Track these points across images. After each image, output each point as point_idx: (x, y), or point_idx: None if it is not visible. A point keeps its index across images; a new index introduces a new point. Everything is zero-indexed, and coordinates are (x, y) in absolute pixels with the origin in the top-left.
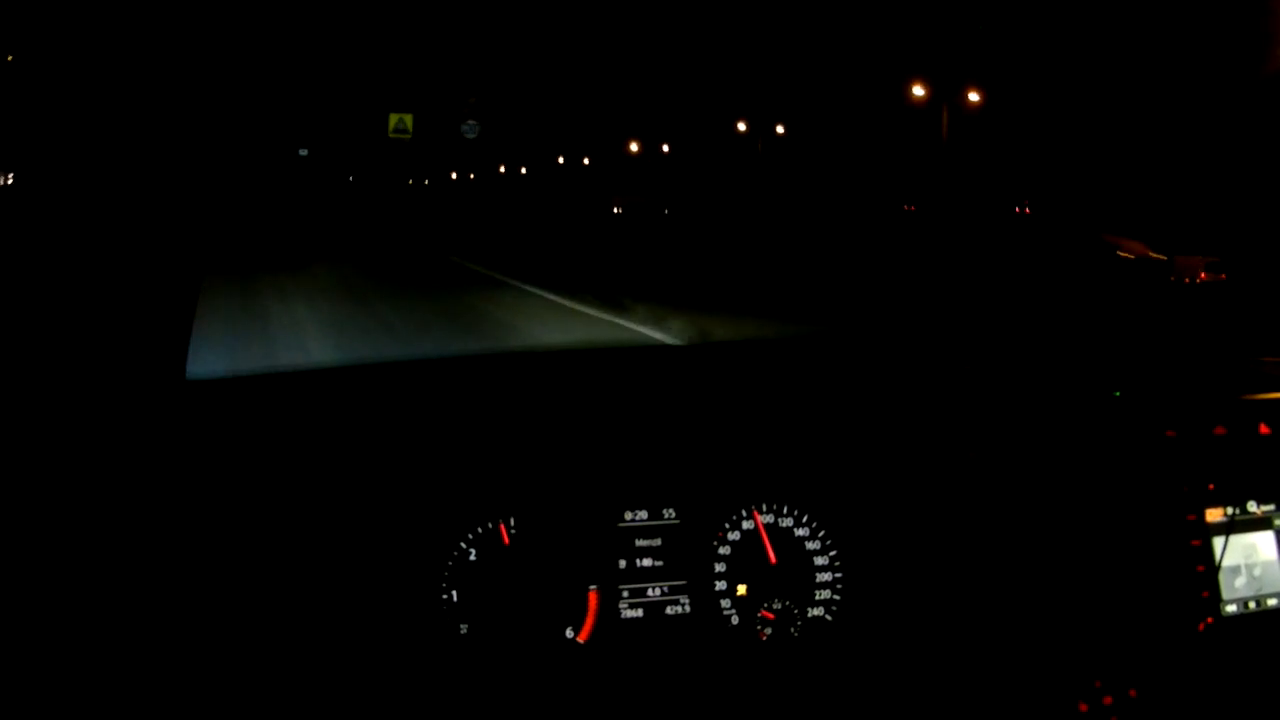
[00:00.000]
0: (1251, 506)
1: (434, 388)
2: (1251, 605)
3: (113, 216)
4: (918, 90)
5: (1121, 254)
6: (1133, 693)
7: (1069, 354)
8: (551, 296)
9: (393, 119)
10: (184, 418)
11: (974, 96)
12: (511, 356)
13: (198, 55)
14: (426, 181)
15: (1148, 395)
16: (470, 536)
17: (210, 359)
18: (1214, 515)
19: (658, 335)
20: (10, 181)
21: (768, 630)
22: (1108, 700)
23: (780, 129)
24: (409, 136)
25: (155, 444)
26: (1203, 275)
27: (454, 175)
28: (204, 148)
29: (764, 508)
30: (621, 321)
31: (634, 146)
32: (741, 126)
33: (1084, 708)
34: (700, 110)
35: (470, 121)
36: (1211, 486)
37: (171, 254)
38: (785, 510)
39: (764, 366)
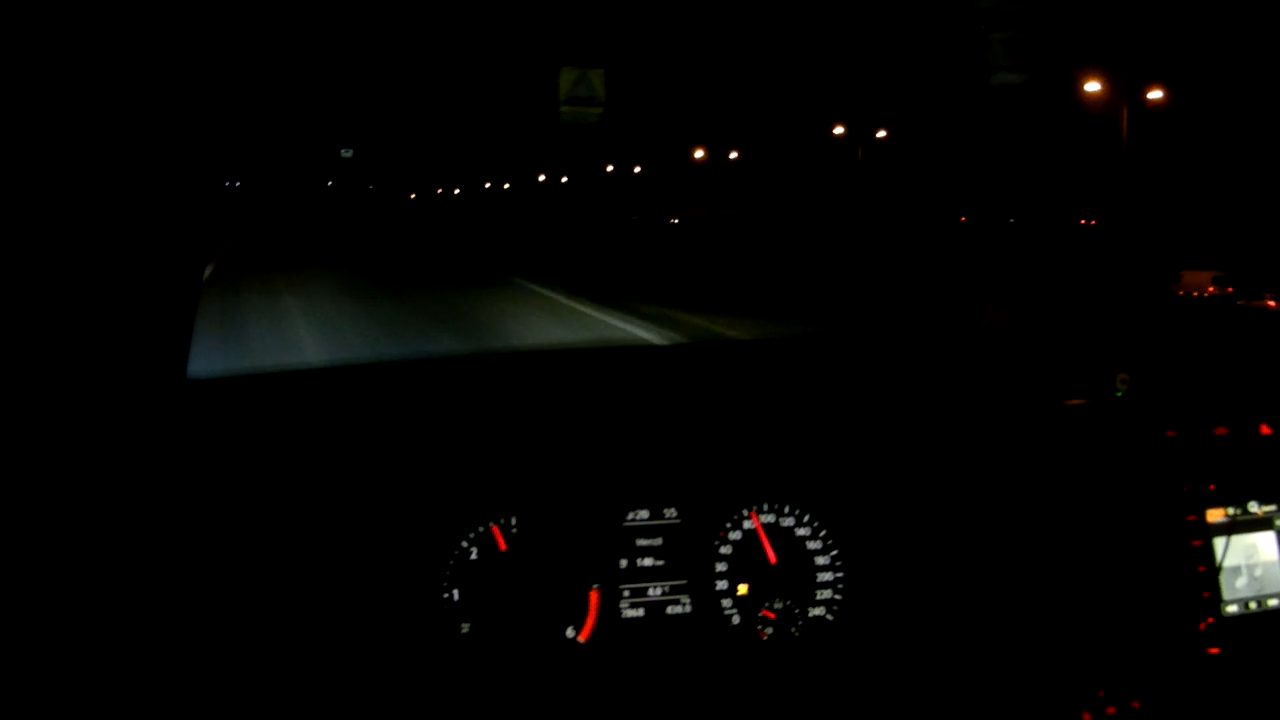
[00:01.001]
0: (1252, 507)
1: (436, 387)
2: (1252, 606)
3: (114, 216)
4: (1092, 86)
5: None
6: (1136, 704)
7: (1070, 354)
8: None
9: (566, 78)
10: (185, 416)
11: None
12: (515, 356)
13: (207, 44)
14: (456, 190)
15: (1149, 396)
16: (471, 536)
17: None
18: (1215, 516)
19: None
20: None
21: (769, 630)
22: (1111, 710)
23: (882, 133)
24: (599, 111)
25: (157, 442)
26: (1210, 290)
27: (487, 185)
28: (212, 144)
29: (765, 507)
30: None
31: (699, 153)
32: (839, 130)
33: (1087, 717)
34: (781, 113)
35: None
36: (1212, 487)
37: (173, 254)
38: (786, 510)
39: (766, 366)
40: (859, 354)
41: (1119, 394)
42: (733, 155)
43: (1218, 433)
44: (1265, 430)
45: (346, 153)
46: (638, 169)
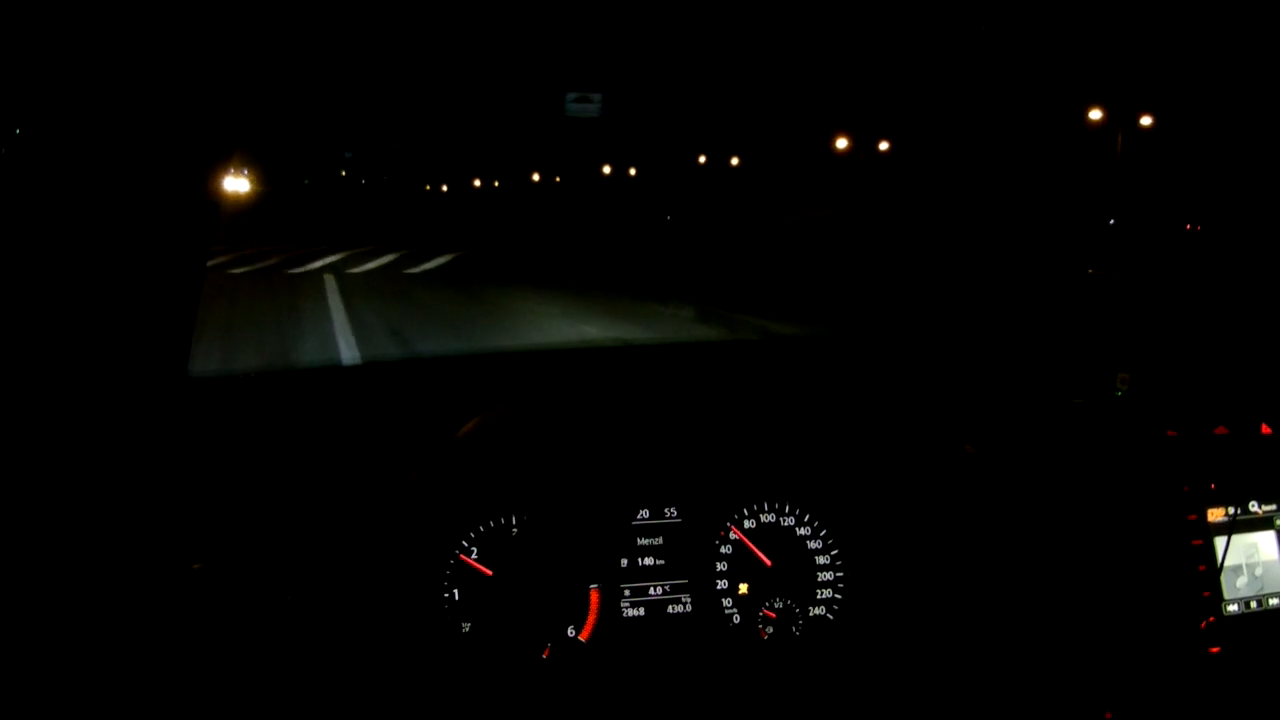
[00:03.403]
0: (1253, 506)
1: (440, 387)
2: (1253, 605)
3: (115, 215)
4: None
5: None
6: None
7: (1071, 354)
8: None
9: None
10: (185, 416)
11: None
12: (521, 356)
13: (215, 42)
14: (496, 184)
15: (1150, 395)
16: (473, 535)
17: None
18: (1215, 515)
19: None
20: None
21: (769, 629)
22: (1109, 716)
23: (1148, 120)
24: None
25: (157, 441)
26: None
27: (536, 176)
28: (221, 139)
29: (765, 507)
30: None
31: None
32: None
33: None
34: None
35: None
36: (1213, 486)
37: (174, 253)
38: (786, 510)
39: (768, 367)
40: (860, 355)
41: (1119, 394)
42: (883, 146)
43: (1218, 432)
44: (1265, 430)
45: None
46: (735, 160)
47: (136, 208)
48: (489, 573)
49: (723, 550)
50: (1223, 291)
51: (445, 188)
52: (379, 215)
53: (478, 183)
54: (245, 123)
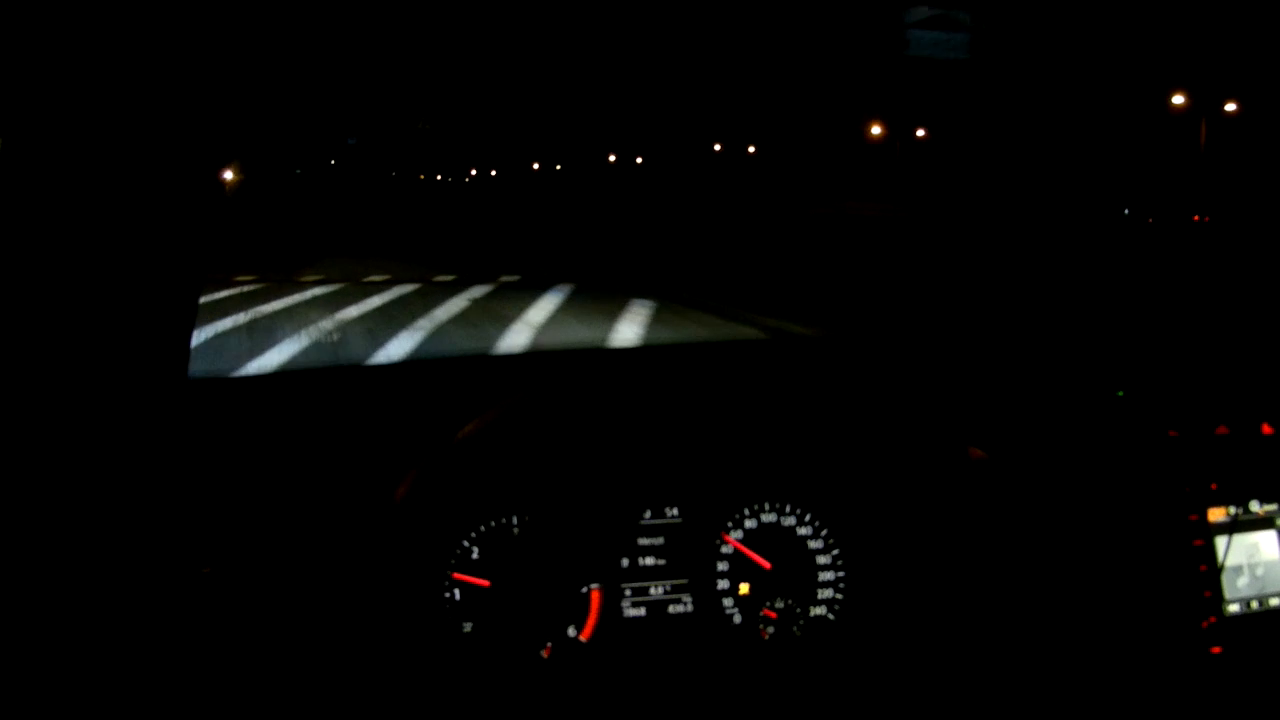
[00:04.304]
0: (1254, 506)
1: (445, 387)
2: (1254, 605)
3: (114, 215)
4: None
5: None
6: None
7: (1072, 354)
8: None
9: None
10: (185, 416)
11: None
12: (522, 357)
13: (212, 37)
14: (493, 173)
15: (1151, 395)
16: (474, 535)
17: None
18: (1216, 515)
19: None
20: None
21: (770, 629)
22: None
23: (1232, 106)
24: None
25: (157, 442)
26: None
27: (535, 165)
28: (216, 139)
29: (765, 507)
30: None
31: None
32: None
33: None
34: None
35: None
36: (1214, 486)
37: (174, 253)
38: (787, 510)
39: (770, 366)
40: (862, 355)
41: (1120, 394)
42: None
43: (1219, 432)
44: (1267, 430)
45: None
46: (752, 148)
47: (134, 204)
48: (485, 584)
49: (723, 550)
50: (1224, 290)
51: (439, 176)
52: (397, 216)
53: (493, 172)
54: (242, 109)
